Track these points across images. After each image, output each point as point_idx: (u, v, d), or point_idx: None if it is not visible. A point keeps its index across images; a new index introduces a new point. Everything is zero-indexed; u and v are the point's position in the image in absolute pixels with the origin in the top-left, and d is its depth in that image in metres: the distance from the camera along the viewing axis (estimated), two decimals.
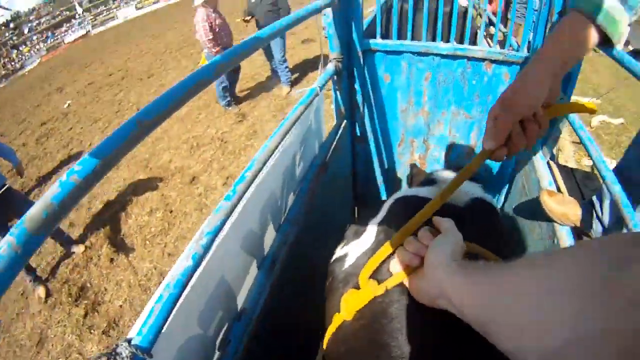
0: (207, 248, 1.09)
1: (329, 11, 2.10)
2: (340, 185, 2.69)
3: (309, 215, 1.96)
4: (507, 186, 2.52)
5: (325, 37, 2.26)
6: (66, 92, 13.67)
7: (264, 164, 1.44)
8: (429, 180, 1.43)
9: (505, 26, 4.90)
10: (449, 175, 1.42)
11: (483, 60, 2.22)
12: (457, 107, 2.42)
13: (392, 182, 2.98)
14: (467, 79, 2.32)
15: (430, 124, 2.56)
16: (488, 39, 4.53)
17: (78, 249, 4.72)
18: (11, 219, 4.18)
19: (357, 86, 2.48)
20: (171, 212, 4.73)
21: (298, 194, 1.98)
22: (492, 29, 4.44)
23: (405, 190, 1.37)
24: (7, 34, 54.50)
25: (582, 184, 2.99)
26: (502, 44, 2.95)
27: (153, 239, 4.44)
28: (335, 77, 2.27)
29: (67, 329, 3.75)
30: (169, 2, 41.12)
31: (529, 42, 2.13)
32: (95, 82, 12.92)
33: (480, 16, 3.27)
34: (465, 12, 3.33)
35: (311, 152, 2.21)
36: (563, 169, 3.11)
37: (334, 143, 2.36)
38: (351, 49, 2.34)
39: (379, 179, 2.99)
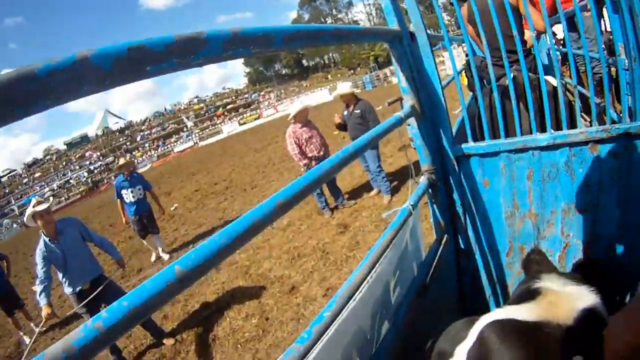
0: None
1: (412, 121, 2.02)
2: (445, 307, 2.43)
3: (409, 344, 1.74)
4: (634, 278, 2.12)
5: (414, 148, 2.15)
6: (174, 196, 14.92)
7: (349, 299, 1.28)
8: (531, 291, 1.22)
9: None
10: (556, 281, 1.21)
11: (586, 143, 1.99)
12: (567, 202, 2.15)
13: (504, 297, 2.65)
14: (573, 168, 2.07)
15: (540, 226, 2.28)
16: (584, 117, 4.22)
17: (168, 342, 4.78)
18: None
19: (455, 196, 2.31)
20: (267, 319, 4.63)
21: (393, 323, 1.77)
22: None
23: (499, 311, 1.18)
24: (121, 139, 62.09)
25: None
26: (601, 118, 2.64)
27: (246, 343, 4.33)
28: (429, 190, 2.13)
29: None
30: (269, 118, 44.50)
31: (629, 107, 1.89)
32: (201, 190, 13.97)
33: (571, 93, 3.06)
34: (555, 91, 3.12)
35: (409, 275, 2.01)
36: None
37: (435, 261, 2.16)
38: (443, 157, 2.22)
39: (488, 294, 2.67)
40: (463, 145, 2.21)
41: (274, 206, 0.99)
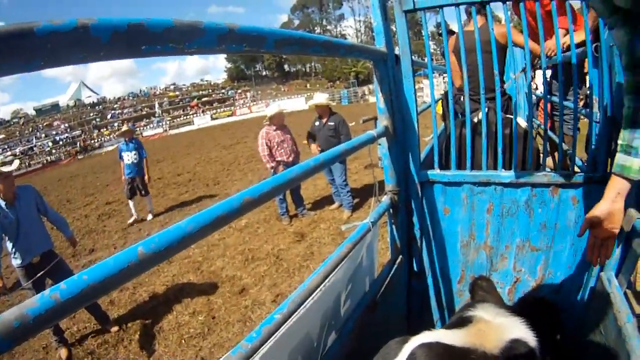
0: None
1: (384, 141, 2.06)
2: (392, 325, 2.47)
3: (352, 357, 1.77)
4: (578, 323, 2.22)
5: (381, 168, 2.20)
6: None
7: (300, 305, 1.30)
8: (464, 318, 1.23)
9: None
10: (490, 311, 1.22)
11: (548, 185, 2.09)
12: (523, 239, 2.25)
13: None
14: (533, 207, 2.17)
15: (493, 258, 2.36)
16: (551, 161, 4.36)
17: (112, 328, 4.69)
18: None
19: (414, 219, 2.37)
20: (214, 318, 4.60)
21: (340, 334, 1.79)
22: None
23: (430, 334, 1.18)
24: (92, 114, 60.65)
25: None
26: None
27: (190, 339, 4.29)
28: (390, 210, 2.17)
29: None
30: (242, 117, 44.23)
31: (594, 158, 1.99)
32: (163, 178, 13.77)
33: (541, 136, 3.17)
34: (525, 133, 3.24)
35: (361, 290, 2.04)
36: None
37: (387, 280, 2.20)
38: (409, 180, 2.27)
39: (436, 317, 2.73)
40: (429, 172, 2.27)
41: (241, 202, 1.01)
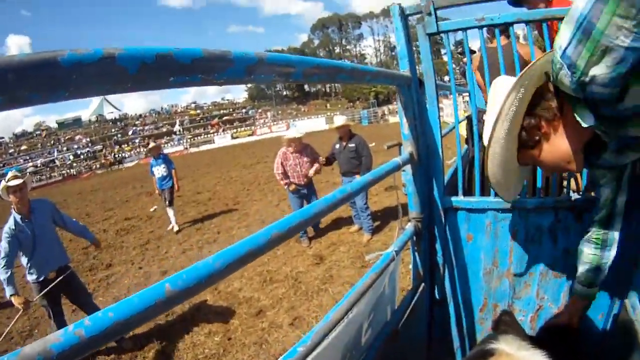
0: None
1: (408, 167, 2.04)
2: (413, 353, 2.41)
3: None
4: (601, 352, 2.15)
5: (405, 194, 2.17)
6: (155, 197, 14.65)
7: (324, 337, 1.28)
8: (485, 351, 1.21)
9: None
10: (511, 344, 1.21)
11: (573, 210, 2.04)
12: (546, 265, 2.18)
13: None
14: (557, 233, 2.11)
15: (516, 286, 2.30)
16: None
17: (127, 346, 4.67)
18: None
19: (437, 246, 2.33)
20: (229, 339, 4.56)
21: None
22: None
23: None
24: (113, 130, 61.78)
25: None
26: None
27: None
28: (414, 237, 2.14)
29: None
30: (262, 137, 44.57)
31: None
32: (183, 197, 13.74)
33: None
34: None
35: (382, 318, 2.01)
36: None
37: (410, 308, 2.15)
38: (432, 207, 2.23)
39: (456, 345, 2.67)
40: (453, 198, 2.23)
41: (269, 237, 0.99)
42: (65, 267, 4.43)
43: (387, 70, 1.97)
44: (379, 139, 18.56)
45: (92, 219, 12.65)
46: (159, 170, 9.42)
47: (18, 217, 4.09)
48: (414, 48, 2.18)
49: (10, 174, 4.17)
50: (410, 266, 2.34)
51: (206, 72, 0.79)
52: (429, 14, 2.01)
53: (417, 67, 2.15)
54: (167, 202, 9.55)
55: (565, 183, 2.25)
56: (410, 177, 2.06)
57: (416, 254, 2.23)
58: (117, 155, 49.82)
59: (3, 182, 4.10)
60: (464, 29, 2.09)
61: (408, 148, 2.03)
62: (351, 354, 1.64)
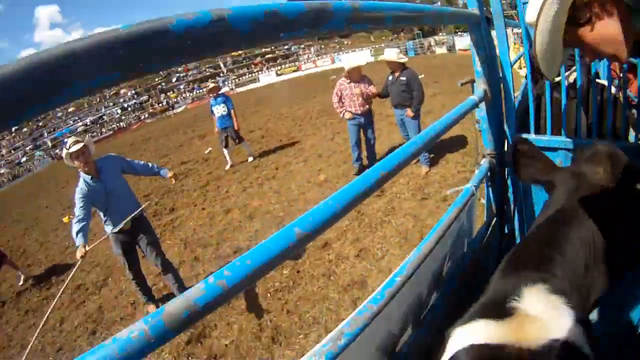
0: (342, 349, 1.10)
1: (482, 105, 2.07)
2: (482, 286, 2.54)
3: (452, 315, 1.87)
4: None
5: (479, 131, 2.21)
6: (208, 140, 15.11)
7: (417, 268, 1.40)
8: (500, 309, 1.05)
9: None
10: (538, 303, 1.02)
11: None
12: None
13: None
14: None
15: None
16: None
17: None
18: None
19: (509, 183, 2.37)
20: (298, 272, 4.74)
21: (442, 293, 1.89)
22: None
23: (469, 327, 1.06)
24: (157, 79, 62.27)
25: None
26: None
27: (275, 293, 4.47)
28: (489, 173, 2.20)
29: (166, 348, 3.88)
30: (307, 72, 43.88)
31: None
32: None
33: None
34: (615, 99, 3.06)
35: (460, 250, 2.12)
36: None
37: (484, 241, 2.25)
38: (505, 144, 2.26)
39: None
40: (525, 135, 2.25)
41: (378, 176, 1.10)
42: (140, 217, 4.57)
43: (460, 10, 1.97)
44: (427, 71, 17.98)
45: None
46: (219, 110, 9.66)
47: (87, 177, 4.18)
48: None
49: (70, 140, 4.22)
50: (483, 201, 2.41)
51: (311, 25, 0.83)
52: None
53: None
54: (236, 140, 9.95)
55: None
56: (485, 114, 2.10)
57: (490, 189, 2.30)
58: (166, 102, 50.42)
59: (65, 150, 4.16)
60: None
61: (481, 85, 2.05)
62: (433, 283, 1.79)
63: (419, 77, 6.95)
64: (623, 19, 1.18)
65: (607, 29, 1.22)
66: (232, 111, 9.72)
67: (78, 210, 4.12)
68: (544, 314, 0.98)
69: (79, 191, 4.14)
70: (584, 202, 1.30)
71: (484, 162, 2.15)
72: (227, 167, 10.21)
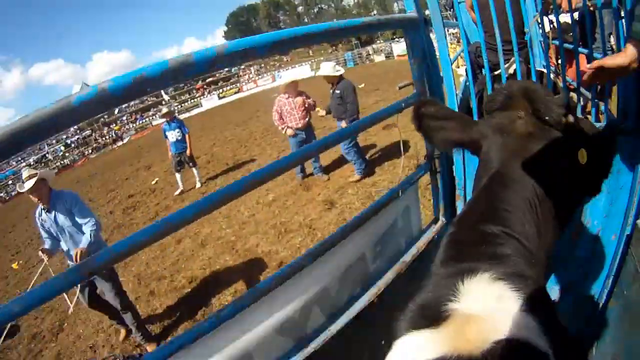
0: None
1: None
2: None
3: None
4: (615, 270, 2.20)
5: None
6: (154, 170, 14.83)
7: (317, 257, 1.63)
8: (436, 313, 0.91)
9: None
10: (479, 300, 0.90)
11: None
12: None
13: None
14: None
15: None
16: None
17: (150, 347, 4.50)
18: None
19: (456, 182, 2.40)
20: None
21: (365, 289, 2.01)
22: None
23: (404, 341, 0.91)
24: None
25: None
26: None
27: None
28: (434, 174, 2.21)
29: None
30: (249, 92, 43.78)
31: (624, 109, 2.00)
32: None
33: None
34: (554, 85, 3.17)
35: (394, 249, 2.20)
36: None
37: (423, 241, 2.26)
38: None
39: None
40: None
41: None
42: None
43: (389, 17, 1.99)
44: (367, 79, 18.41)
45: (97, 203, 12.46)
46: (173, 135, 9.70)
47: (40, 207, 4.22)
48: None
49: (25, 174, 4.19)
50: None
51: (173, 77, 1.09)
52: None
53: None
54: (190, 164, 9.96)
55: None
56: None
57: (437, 188, 2.31)
58: (115, 134, 49.07)
59: (19, 184, 4.22)
60: None
61: (418, 88, 2.07)
62: (356, 277, 1.96)
63: (360, 86, 7.05)
64: None
65: None
66: (186, 135, 9.78)
67: (42, 234, 4.32)
68: (488, 310, 0.86)
69: (36, 217, 4.28)
70: (515, 157, 1.23)
71: (424, 163, 2.17)
72: (178, 192, 10.16)
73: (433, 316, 0.89)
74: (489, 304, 0.87)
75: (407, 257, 2.17)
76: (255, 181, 1.33)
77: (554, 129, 1.24)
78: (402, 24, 1.97)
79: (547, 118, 1.23)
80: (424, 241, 2.27)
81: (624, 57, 1.52)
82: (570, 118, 1.24)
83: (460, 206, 2.48)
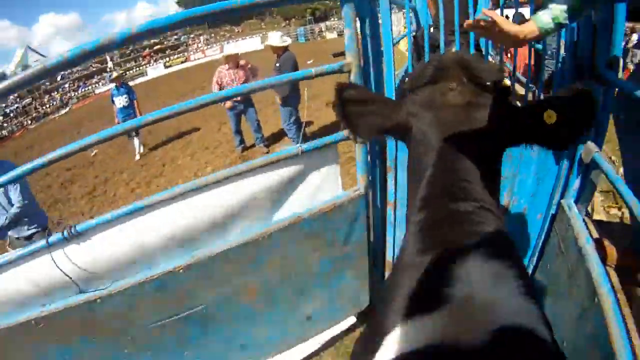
0: None
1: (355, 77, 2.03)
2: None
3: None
4: (540, 246, 2.36)
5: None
6: None
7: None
8: (431, 292, 0.87)
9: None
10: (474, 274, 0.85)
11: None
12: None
13: None
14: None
15: None
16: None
17: None
18: None
19: (388, 152, 2.42)
20: None
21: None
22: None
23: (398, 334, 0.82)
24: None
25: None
26: None
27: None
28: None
29: None
30: (195, 62, 42.75)
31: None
32: (123, 135, 12.91)
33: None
34: None
35: (294, 205, 2.35)
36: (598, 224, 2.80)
37: (326, 204, 2.31)
38: None
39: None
40: None
41: None
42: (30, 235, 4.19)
43: None
44: (317, 55, 18.10)
45: (34, 177, 11.74)
46: (120, 101, 9.54)
47: None
48: None
49: None
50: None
51: None
52: None
53: None
54: (134, 132, 9.57)
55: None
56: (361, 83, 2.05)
57: (362, 161, 2.30)
58: (60, 101, 46.39)
59: None
60: None
61: (348, 59, 2.00)
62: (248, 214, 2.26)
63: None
64: None
65: None
66: (135, 102, 9.66)
67: None
68: (487, 294, 0.79)
69: None
70: (458, 128, 1.15)
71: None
72: (137, 157, 9.98)
73: (428, 305, 0.82)
74: (487, 287, 0.81)
75: (304, 214, 2.24)
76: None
77: (491, 94, 1.18)
78: None
79: (487, 83, 1.17)
80: (329, 205, 2.28)
81: (522, 29, 1.59)
82: (507, 82, 1.21)
83: (390, 179, 2.47)
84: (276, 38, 6.95)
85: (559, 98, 1.18)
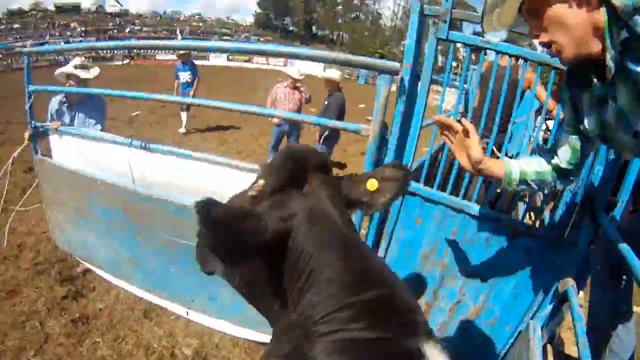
0: None
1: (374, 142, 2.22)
2: None
3: None
4: (501, 357, 2.47)
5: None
6: (140, 102, 13.70)
7: None
8: None
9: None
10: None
11: (508, 230, 2.28)
12: (475, 268, 2.44)
13: None
14: (491, 244, 2.35)
15: (445, 276, 2.55)
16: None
17: None
18: None
19: (389, 219, 2.57)
20: None
21: None
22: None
23: None
24: (111, 24, 58.19)
25: None
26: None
27: None
28: None
29: (41, 299, 3.57)
30: (257, 65, 42.98)
31: (559, 221, 2.19)
32: (167, 107, 12.80)
33: None
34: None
35: None
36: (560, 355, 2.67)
37: None
38: None
39: None
40: (413, 183, 2.47)
41: None
42: None
43: (376, 62, 2.19)
44: (371, 102, 17.69)
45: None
46: (184, 76, 10.01)
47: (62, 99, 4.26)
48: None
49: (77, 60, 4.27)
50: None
51: None
52: (445, 21, 2.17)
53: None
54: (185, 106, 10.14)
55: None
56: (374, 150, 2.24)
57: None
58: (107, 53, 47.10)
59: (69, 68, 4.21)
60: (470, 46, 2.26)
61: (371, 126, 2.22)
62: None
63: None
64: (593, 23, 1.15)
65: (574, 17, 1.16)
66: (196, 80, 10.06)
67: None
68: None
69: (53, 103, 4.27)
70: (325, 213, 1.11)
71: None
72: (182, 130, 10.53)
73: None
74: None
75: None
76: None
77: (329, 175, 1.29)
78: (383, 70, 2.11)
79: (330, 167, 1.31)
80: None
81: (485, 162, 1.60)
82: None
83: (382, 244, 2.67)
84: (333, 73, 7.00)
85: (381, 170, 1.33)
